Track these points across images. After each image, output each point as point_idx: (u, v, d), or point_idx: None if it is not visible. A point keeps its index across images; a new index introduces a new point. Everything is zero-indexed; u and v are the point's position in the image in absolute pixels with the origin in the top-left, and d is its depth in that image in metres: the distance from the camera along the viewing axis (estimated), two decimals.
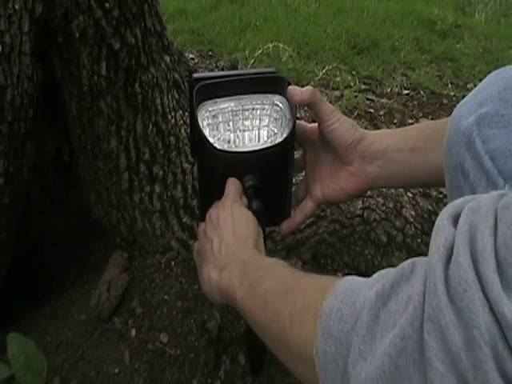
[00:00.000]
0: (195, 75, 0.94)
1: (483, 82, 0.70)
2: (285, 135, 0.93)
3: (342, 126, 0.91)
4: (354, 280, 0.58)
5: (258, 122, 0.98)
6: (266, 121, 0.98)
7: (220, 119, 0.96)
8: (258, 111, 0.97)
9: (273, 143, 0.95)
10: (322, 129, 0.92)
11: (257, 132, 0.99)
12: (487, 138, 0.64)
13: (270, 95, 0.95)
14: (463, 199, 0.51)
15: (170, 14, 3.23)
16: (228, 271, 0.81)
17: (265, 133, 0.99)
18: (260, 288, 0.72)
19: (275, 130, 0.98)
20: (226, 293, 0.80)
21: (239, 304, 0.76)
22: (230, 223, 0.88)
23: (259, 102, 0.96)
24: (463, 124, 0.67)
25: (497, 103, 0.65)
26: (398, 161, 0.91)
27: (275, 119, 0.97)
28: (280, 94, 0.95)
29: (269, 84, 0.95)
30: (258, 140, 0.99)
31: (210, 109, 0.94)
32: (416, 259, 0.52)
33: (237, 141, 0.98)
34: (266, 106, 0.96)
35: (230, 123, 0.96)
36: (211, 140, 0.92)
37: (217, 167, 0.93)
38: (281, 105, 0.95)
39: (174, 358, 1.18)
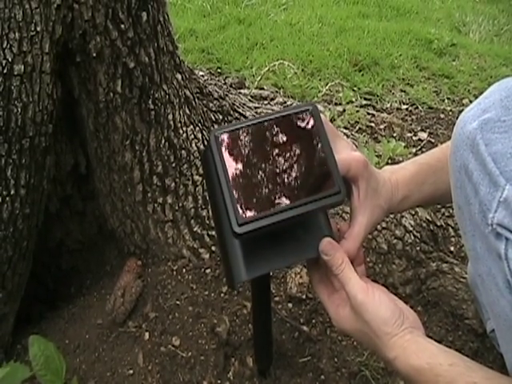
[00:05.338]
0: (217, 131, 0.76)
1: (487, 91, 0.72)
2: None
3: (372, 217, 0.87)
4: None
5: None
6: None
7: None
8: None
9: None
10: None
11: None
12: (490, 141, 0.66)
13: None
14: None
15: (180, 34, 3.24)
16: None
17: None
18: None
19: None
20: None
21: None
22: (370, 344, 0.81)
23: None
24: (468, 128, 0.68)
25: (499, 110, 0.67)
26: (414, 206, 0.97)
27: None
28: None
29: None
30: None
31: None
32: None
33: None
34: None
35: None
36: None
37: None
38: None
39: (186, 360, 1.18)
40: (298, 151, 0.77)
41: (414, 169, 0.96)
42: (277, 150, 0.76)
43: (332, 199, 0.75)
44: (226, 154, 0.74)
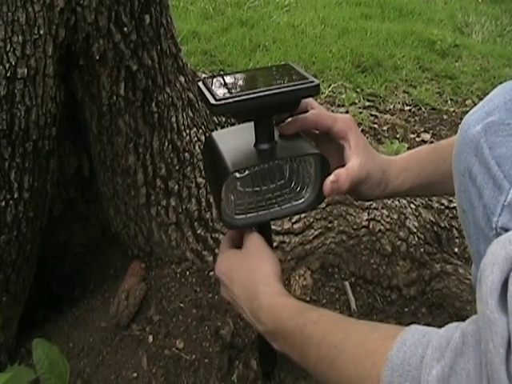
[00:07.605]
0: (206, 78, 0.85)
1: (490, 93, 0.71)
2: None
3: (370, 188, 0.87)
4: (405, 346, 0.57)
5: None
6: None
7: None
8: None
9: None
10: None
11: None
12: (494, 144, 0.65)
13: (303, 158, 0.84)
14: (498, 271, 0.49)
15: (183, 36, 3.25)
16: (276, 344, 0.79)
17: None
18: (310, 361, 0.71)
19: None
20: None
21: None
22: (239, 287, 0.83)
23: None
24: (471, 132, 0.68)
25: (503, 113, 0.66)
26: (413, 194, 0.94)
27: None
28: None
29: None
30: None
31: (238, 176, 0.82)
32: (463, 327, 0.52)
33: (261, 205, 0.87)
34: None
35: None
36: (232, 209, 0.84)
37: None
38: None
39: (190, 363, 1.18)
40: (275, 75, 0.87)
41: (412, 150, 0.96)
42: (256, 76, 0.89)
43: (306, 85, 0.79)
44: (211, 85, 0.81)
